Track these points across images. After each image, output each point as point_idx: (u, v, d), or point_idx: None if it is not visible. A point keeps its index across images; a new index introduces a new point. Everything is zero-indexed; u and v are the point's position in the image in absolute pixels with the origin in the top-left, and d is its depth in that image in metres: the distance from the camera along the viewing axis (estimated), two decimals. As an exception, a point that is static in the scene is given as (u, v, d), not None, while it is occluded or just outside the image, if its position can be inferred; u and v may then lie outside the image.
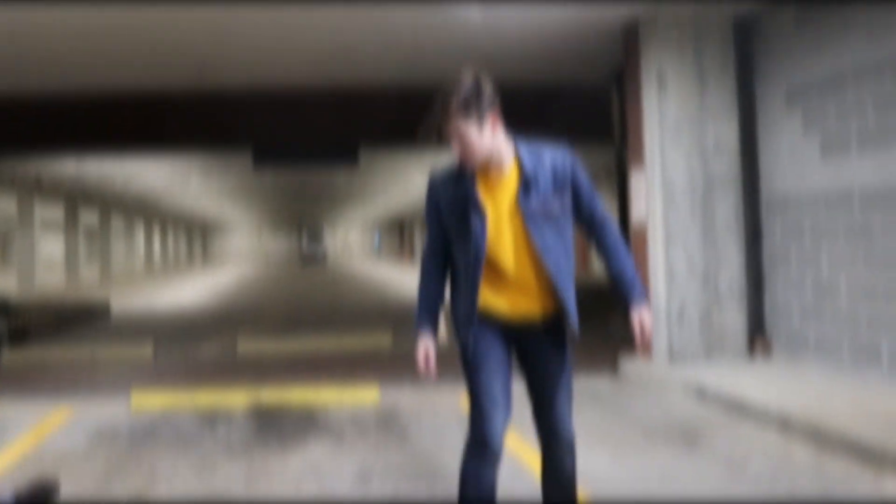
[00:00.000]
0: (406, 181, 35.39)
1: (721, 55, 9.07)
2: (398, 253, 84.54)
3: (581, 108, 13.46)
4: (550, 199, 3.56)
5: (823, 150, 8.10)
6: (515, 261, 3.58)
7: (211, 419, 7.45)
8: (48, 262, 44.15)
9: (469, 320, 3.58)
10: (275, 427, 7.09)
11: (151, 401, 8.16)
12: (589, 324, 13.24)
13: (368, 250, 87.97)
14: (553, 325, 3.69)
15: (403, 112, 14.22)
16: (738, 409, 6.94)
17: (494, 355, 3.62)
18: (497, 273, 3.61)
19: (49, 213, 39.19)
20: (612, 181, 16.48)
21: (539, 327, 3.67)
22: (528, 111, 14.55)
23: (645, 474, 5.44)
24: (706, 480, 5.29)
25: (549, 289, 3.60)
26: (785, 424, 6.28)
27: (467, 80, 3.38)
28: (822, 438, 5.84)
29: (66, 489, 5.27)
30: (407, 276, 38.88)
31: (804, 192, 8.42)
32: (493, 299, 3.64)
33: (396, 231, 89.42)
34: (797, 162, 8.52)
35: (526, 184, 3.53)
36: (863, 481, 5.16)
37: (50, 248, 52.40)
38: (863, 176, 7.57)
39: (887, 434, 5.56)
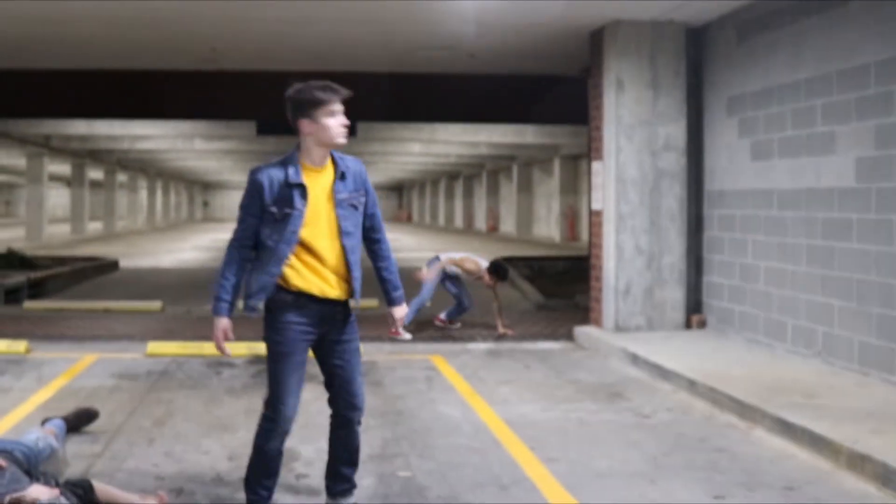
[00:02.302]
0: (405, 151, 36.59)
1: (674, 63, 10.28)
2: (396, 215, 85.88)
3: (570, 97, 14.55)
4: (353, 193, 4.35)
5: (753, 155, 9.36)
6: (330, 245, 4.29)
7: (216, 365, 8.78)
8: (53, 215, 45.29)
9: (264, 290, 4.27)
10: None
11: (164, 349, 9.47)
12: (558, 294, 14.54)
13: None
14: (346, 307, 4.42)
15: (397, 94, 15.47)
16: (660, 373, 8.25)
17: (300, 349, 4.34)
18: (314, 257, 4.27)
19: (56, 167, 40.28)
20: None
21: (340, 309, 4.39)
22: (523, 97, 15.79)
23: (565, 419, 6.77)
24: (614, 425, 6.61)
25: (346, 272, 4.33)
26: (691, 386, 7.60)
27: (342, 88, 4.25)
28: (716, 398, 7.16)
29: (101, 418, 6.55)
30: (403, 237, 40.13)
31: (737, 189, 9.68)
32: (308, 282, 4.28)
33: (395, 195, 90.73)
34: (733, 163, 9.77)
35: (342, 175, 4.31)
36: (737, 430, 6.49)
37: (55, 200, 53.50)
38: (780, 179, 8.84)
39: (764, 396, 6.87)
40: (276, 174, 4.26)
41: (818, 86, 8.24)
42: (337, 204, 4.31)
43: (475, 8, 9.56)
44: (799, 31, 8.55)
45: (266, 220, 4.27)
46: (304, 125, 4.23)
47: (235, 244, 4.35)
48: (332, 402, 4.58)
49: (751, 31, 9.42)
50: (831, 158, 8.03)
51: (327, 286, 4.31)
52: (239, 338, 9.29)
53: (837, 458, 5.58)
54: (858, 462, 5.38)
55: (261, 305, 4.33)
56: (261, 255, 4.32)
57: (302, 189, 4.25)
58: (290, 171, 4.26)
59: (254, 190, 4.29)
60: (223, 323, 4.34)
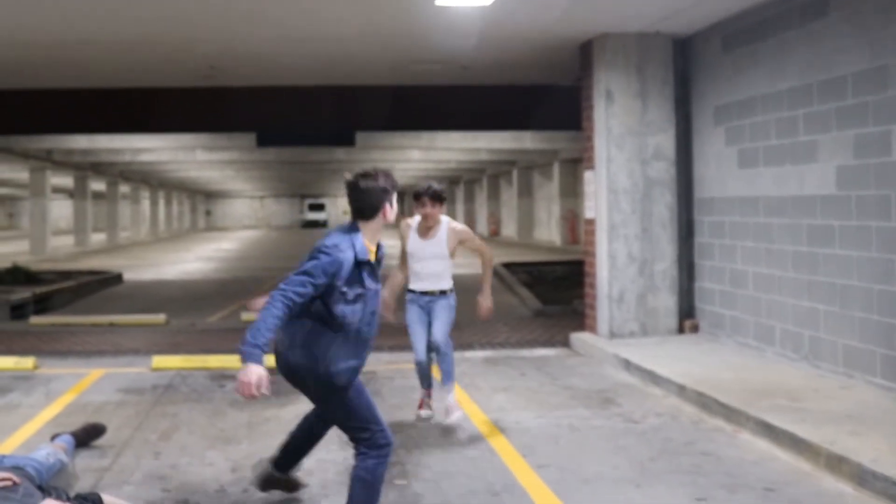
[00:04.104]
0: (404, 158, 36.82)
1: (661, 73, 10.49)
2: (397, 221, 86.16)
3: (567, 103, 14.66)
4: None
5: (740, 163, 9.58)
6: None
7: (219, 378, 9.01)
8: (56, 227, 45.48)
9: (355, 372, 4.61)
10: (272, 385, 8.61)
11: (169, 362, 9.70)
12: (556, 299, 14.74)
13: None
14: None
15: (395, 105, 15.70)
16: (651, 378, 8.48)
17: None
18: None
19: (59, 180, 40.50)
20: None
21: None
22: (520, 105, 16.01)
23: (557, 426, 6.99)
24: (604, 431, 6.83)
25: None
26: (681, 391, 7.82)
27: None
28: (704, 402, 7.38)
29: (109, 432, 6.77)
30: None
31: (726, 196, 9.91)
32: None
33: (397, 201, 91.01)
34: (721, 171, 10.00)
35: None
36: (723, 434, 6.71)
37: (58, 212, 53.60)
38: (766, 187, 9.06)
39: (750, 400, 7.09)
40: (350, 250, 4.46)
41: (800, 96, 8.46)
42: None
43: (465, 22, 9.77)
44: (781, 43, 8.77)
45: (340, 296, 4.44)
46: (387, 209, 4.63)
47: (298, 301, 4.34)
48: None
49: (735, 42, 9.65)
50: (813, 166, 8.25)
51: None
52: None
53: (817, 459, 5.80)
54: (836, 463, 5.60)
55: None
56: (342, 334, 4.50)
57: (370, 268, 4.57)
58: (363, 247, 4.52)
59: (335, 261, 4.39)
60: (260, 370, 4.23)
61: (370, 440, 4.64)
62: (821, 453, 5.77)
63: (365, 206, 4.57)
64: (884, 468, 5.27)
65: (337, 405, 4.67)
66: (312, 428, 5.26)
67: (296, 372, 4.61)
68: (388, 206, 4.61)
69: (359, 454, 4.65)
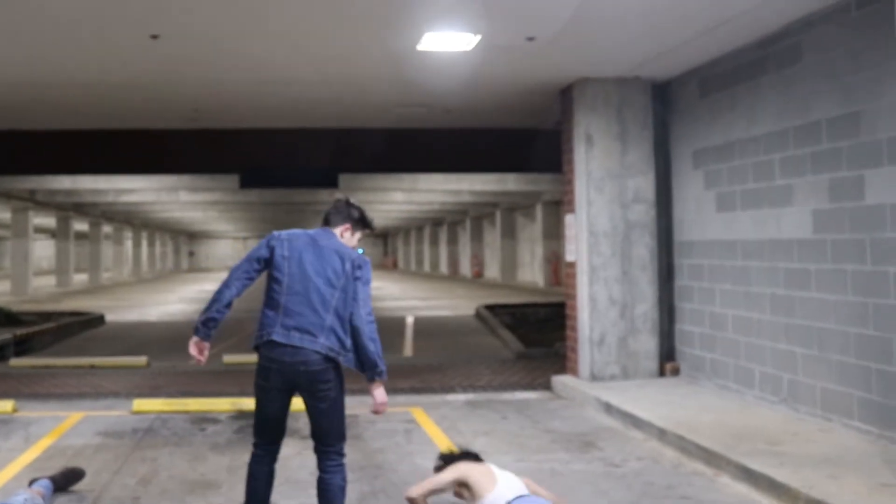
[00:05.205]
0: (388, 200, 36.96)
1: (641, 117, 10.63)
2: (381, 262, 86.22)
3: (549, 146, 14.79)
4: None
5: (718, 206, 9.69)
6: None
7: (200, 422, 8.98)
8: (38, 267, 45.29)
9: None
10: (253, 430, 8.59)
11: (149, 406, 9.66)
12: (538, 342, 14.72)
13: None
14: None
15: (378, 147, 15.75)
16: (632, 421, 8.50)
17: None
18: None
19: (41, 220, 40.43)
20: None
21: None
22: (503, 148, 16.11)
23: (538, 470, 6.99)
24: (585, 475, 6.84)
25: None
26: (662, 434, 7.84)
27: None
28: (684, 446, 7.41)
29: (87, 477, 6.74)
30: (388, 285, 40.26)
31: (705, 240, 10.01)
32: None
33: (380, 242, 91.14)
34: (700, 214, 10.10)
35: None
36: (703, 478, 6.73)
37: (40, 252, 53.31)
38: (744, 230, 9.16)
39: (730, 443, 7.13)
40: None
41: (776, 140, 8.59)
42: None
43: (447, 67, 9.87)
44: (757, 88, 8.92)
45: None
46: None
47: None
48: None
49: (712, 87, 9.80)
50: (790, 210, 8.36)
51: None
52: (222, 394, 9.48)
53: (796, 503, 5.82)
54: (814, 507, 5.63)
55: None
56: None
57: None
58: None
59: None
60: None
61: (343, 450, 5.15)
62: (800, 497, 5.80)
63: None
64: (861, 512, 5.31)
65: (340, 407, 5.13)
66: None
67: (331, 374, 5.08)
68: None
69: (336, 465, 5.10)
